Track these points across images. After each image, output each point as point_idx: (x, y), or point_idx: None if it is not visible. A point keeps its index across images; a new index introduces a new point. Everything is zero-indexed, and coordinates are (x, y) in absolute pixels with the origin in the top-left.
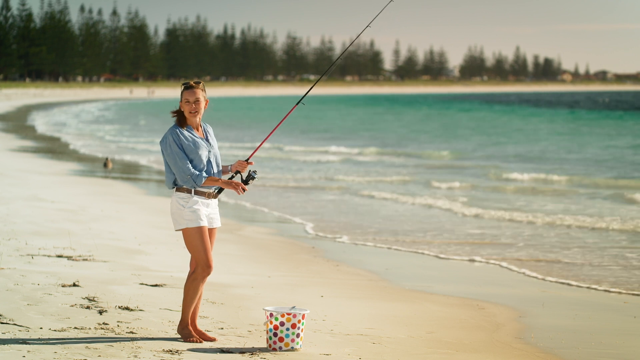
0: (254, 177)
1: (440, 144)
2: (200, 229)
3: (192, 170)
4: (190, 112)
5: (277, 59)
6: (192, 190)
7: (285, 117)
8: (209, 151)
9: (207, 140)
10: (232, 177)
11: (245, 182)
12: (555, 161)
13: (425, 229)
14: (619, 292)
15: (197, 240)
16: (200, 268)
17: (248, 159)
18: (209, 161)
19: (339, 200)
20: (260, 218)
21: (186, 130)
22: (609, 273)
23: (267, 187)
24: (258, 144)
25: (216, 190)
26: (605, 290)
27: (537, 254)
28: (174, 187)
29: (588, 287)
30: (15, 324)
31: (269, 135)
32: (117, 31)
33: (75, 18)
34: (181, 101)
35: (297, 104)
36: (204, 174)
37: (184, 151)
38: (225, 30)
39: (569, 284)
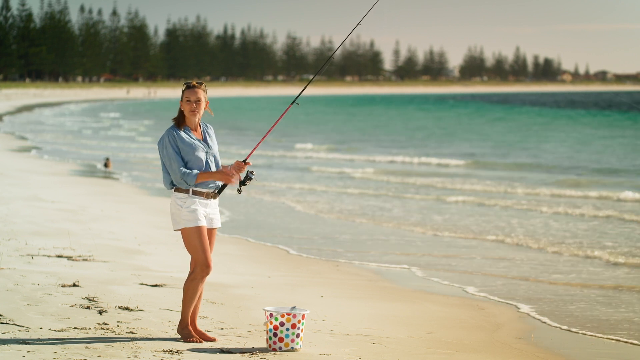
0: (252, 178)
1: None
2: (198, 229)
3: (183, 169)
4: (190, 111)
5: (277, 59)
6: (190, 191)
7: (280, 117)
8: (207, 152)
9: (205, 141)
10: None
11: (243, 182)
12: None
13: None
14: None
15: (195, 240)
16: (199, 268)
17: (245, 159)
18: (207, 162)
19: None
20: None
21: (183, 131)
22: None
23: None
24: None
25: (216, 190)
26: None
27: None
28: (172, 188)
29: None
30: (15, 324)
31: (264, 136)
32: (117, 31)
33: (75, 18)
34: (182, 100)
35: (291, 104)
36: (195, 172)
37: (180, 152)
38: (225, 30)
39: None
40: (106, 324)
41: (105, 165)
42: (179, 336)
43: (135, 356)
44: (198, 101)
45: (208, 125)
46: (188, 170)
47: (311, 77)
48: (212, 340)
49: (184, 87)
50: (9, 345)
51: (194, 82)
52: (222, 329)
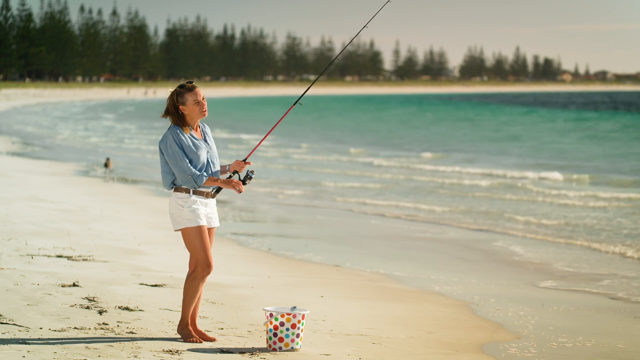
0: (252, 177)
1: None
2: (199, 229)
3: (193, 170)
4: (202, 111)
5: (277, 59)
6: (191, 190)
7: (282, 118)
8: (208, 151)
9: (205, 140)
10: (230, 177)
11: (243, 182)
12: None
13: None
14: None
15: (196, 240)
16: (200, 267)
17: (246, 159)
18: (208, 161)
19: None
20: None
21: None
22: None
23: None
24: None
25: (214, 190)
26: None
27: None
28: (172, 188)
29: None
30: (15, 324)
31: (265, 136)
32: (117, 31)
33: (75, 18)
34: (185, 104)
35: (294, 104)
36: (205, 174)
37: (184, 151)
38: (225, 30)
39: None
40: (106, 324)
41: (106, 165)
42: (179, 336)
43: (135, 356)
44: (204, 98)
45: (205, 124)
46: (198, 172)
47: (311, 77)
48: (212, 340)
49: (184, 91)
50: (9, 345)
51: (190, 85)
52: (222, 329)
